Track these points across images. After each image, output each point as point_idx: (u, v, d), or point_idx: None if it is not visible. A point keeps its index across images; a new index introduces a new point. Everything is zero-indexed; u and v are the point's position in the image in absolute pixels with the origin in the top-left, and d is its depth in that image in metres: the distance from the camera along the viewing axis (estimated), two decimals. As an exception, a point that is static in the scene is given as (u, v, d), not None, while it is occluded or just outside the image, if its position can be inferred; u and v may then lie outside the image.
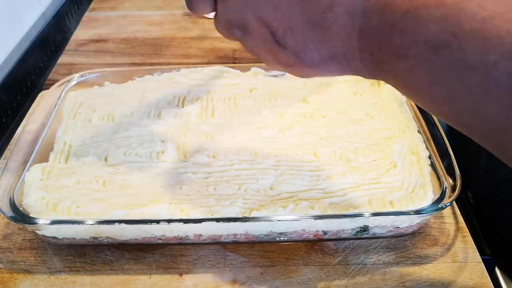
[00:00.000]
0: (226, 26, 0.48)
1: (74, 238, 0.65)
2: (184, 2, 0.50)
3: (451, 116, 0.38)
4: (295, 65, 0.45)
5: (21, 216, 0.61)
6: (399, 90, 0.42)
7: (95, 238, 0.65)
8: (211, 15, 0.50)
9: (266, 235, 0.65)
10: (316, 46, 0.42)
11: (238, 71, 0.89)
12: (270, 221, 0.61)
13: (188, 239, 0.65)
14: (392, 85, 0.41)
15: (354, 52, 0.41)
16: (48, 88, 0.86)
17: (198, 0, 0.48)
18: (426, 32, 0.36)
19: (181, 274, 0.64)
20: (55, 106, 0.80)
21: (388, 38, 0.38)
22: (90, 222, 0.60)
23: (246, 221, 0.61)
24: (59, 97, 0.82)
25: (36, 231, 0.63)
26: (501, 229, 0.77)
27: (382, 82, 0.86)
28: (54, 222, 0.61)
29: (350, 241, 0.67)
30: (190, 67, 0.89)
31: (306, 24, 0.41)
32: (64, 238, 0.64)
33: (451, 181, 0.65)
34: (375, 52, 0.40)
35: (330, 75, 0.46)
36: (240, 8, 0.44)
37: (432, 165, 0.69)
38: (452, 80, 0.35)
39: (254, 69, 0.88)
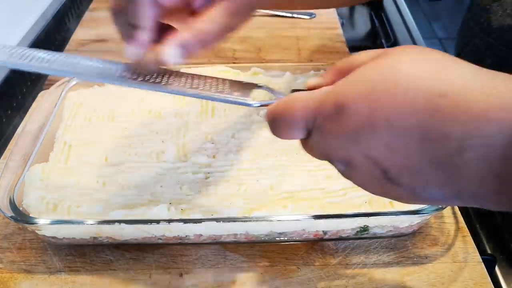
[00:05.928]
0: (321, 157, 0.42)
1: (74, 238, 0.65)
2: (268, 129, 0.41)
3: None
4: (409, 200, 0.40)
5: (21, 216, 0.61)
6: None
7: (95, 238, 0.65)
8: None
9: (266, 235, 0.65)
10: (439, 185, 0.36)
11: (238, 71, 0.88)
12: (270, 221, 0.61)
13: (188, 239, 0.65)
14: None
15: (487, 194, 0.35)
16: (48, 88, 0.86)
17: (287, 129, 0.41)
18: None
19: (181, 274, 0.64)
20: (55, 106, 0.80)
21: None
22: (90, 222, 0.61)
23: (246, 221, 0.61)
24: (59, 97, 0.82)
25: (36, 231, 0.63)
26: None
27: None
28: (54, 222, 0.61)
29: (350, 241, 0.67)
30: (190, 67, 0.89)
31: (427, 164, 0.36)
32: (64, 238, 0.64)
33: (451, 181, 0.64)
34: None
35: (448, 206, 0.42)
36: (343, 145, 0.38)
37: (432, 165, 0.69)
38: None
39: (254, 69, 0.88)
